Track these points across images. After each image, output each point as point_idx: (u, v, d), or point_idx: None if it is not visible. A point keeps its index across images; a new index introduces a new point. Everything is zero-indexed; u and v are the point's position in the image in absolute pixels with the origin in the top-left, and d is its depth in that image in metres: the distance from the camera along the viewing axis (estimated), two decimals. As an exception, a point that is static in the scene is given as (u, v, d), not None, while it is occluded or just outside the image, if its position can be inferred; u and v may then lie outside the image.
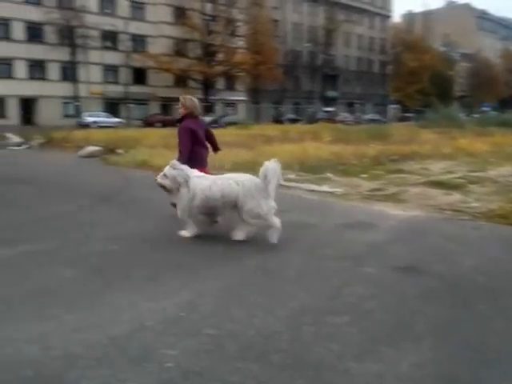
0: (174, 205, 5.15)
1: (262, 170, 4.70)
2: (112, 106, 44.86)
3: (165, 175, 4.95)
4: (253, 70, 49.57)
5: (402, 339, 2.93)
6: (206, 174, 5.10)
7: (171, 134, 19.99)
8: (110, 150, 13.93)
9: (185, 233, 5.04)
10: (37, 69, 42.08)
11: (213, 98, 50.58)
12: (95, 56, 44.05)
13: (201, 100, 43.33)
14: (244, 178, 4.89)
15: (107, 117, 40.13)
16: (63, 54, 41.35)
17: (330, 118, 45.25)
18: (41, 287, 3.67)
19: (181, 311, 3.25)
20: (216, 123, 38.66)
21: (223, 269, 4.15)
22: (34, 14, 40.02)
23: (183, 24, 47.21)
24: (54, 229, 5.53)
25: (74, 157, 13.99)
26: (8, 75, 40.27)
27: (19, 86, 40.07)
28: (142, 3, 47.68)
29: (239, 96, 54.14)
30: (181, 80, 48.53)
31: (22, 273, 3.98)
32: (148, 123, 40.04)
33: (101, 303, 3.37)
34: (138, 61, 45.44)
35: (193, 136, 5.53)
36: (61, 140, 17.32)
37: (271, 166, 4.67)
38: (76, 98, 42.64)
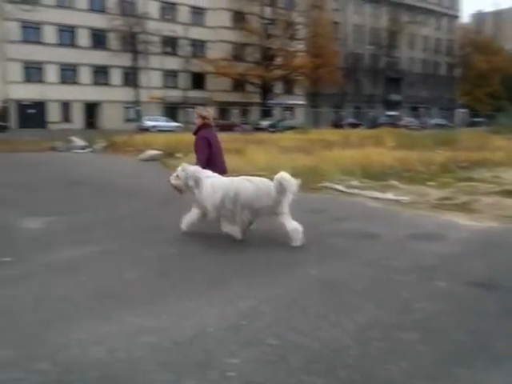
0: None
1: (277, 179, 4.87)
2: (171, 111, 46.18)
3: (177, 177, 5.23)
4: (312, 73, 49.37)
5: (479, 360, 2.76)
6: (218, 175, 5.29)
7: (229, 138, 20.27)
8: (169, 153, 14.30)
9: (235, 235, 5.14)
10: (100, 74, 44.13)
11: (271, 102, 50.85)
12: (155, 61, 45.57)
13: (259, 104, 43.78)
14: (257, 180, 5.11)
15: (166, 121, 41.32)
16: (125, 60, 43.12)
17: (393, 123, 44.13)
18: (106, 288, 3.79)
19: (242, 319, 3.24)
20: (274, 127, 38.82)
21: (285, 277, 4.11)
22: (99, 21, 42.05)
23: (242, 28, 47.90)
24: (118, 230, 5.73)
25: (135, 160, 14.48)
26: (73, 81, 42.53)
27: (83, 92, 42.22)
28: (202, 8, 48.86)
29: (297, 100, 54.06)
30: (239, 84, 49.20)
31: (88, 273, 4.14)
32: (205, 127, 40.69)
33: (164, 306, 3.43)
34: (196, 66, 46.55)
35: (209, 144, 5.88)
36: (122, 144, 18.02)
37: (290, 179, 4.85)
38: (137, 102, 44.30)
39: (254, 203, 4.95)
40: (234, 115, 49.03)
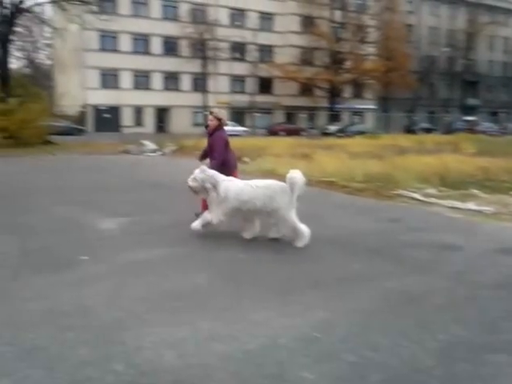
0: (197, 215, 5.81)
1: (288, 177, 5.15)
2: (238, 115, 46.81)
3: (195, 179, 5.40)
4: (383, 77, 48.15)
5: None
6: (235, 178, 5.58)
7: (297, 143, 20.22)
8: (236, 157, 14.39)
9: (245, 235, 5.45)
10: (171, 80, 45.65)
11: (339, 106, 50.16)
12: (224, 67, 46.46)
13: (326, 109, 43.27)
14: (271, 183, 5.34)
15: (233, 125, 41.88)
16: (195, 66, 44.31)
17: (470, 128, 41.91)
18: (176, 291, 3.82)
19: (315, 331, 3.13)
20: (342, 132, 38.22)
21: (360, 289, 3.94)
22: (171, 29, 43.58)
23: (311, 33, 47.68)
24: (188, 233, 5.79)
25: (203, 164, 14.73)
26: (146, 87, 44.32)
27: (155, 97, 43.88)
28: (270, 14, 49.23)
29: (367, 104, 52.92)
30: (306, 89, 48.98)
31: (160, 275, 4.20)
32: (272, 132, 40.98)
33: (234, 313, 3.39)
34: (264, 71, 46.92)
35: (226, 145, 6.20)
36: (191, 147, 18.40)
37: (298, 176, 5.12)
38: (205, 107, 45.34)
39: (267, 206, 5.17)
40: (301, 120, 48.84)
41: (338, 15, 49.51)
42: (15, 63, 39.83)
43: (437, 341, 3.03)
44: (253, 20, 47.99)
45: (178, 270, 4.34)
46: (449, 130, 41.28)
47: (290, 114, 49.00)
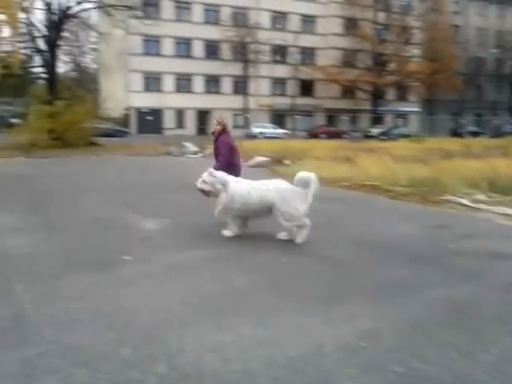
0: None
1: (300, 177, 5.35)
2: (278, 118, 46.85)
3: (204, 181, 5.61)
4: (428, 79, 47.00)
5: None
6: (240, 179, 5.76)
7: (338, 145, 19.98)
8: (277, 160, 14.38)
9: (227, 232, 5.63)
10: (212, 83, 46.19)
11: (382, 109, 49.34)
12: (265, 70, 46.57)
13: (369, 111, 42.67)
14: (279, 183, 5.52)
15: (273, 128, 41.98)
16: (236, 69, 44.65)
17: (520, 132, 40.33)
18: (219, 294, 3.79)
19: (361, 340, 3.02)
20: (385, 135, 37.54)
21: (407, 298, 3.79)
22: (212, 33, 44.11)
23: (354, 35, 47.19)
24: (226, 236, 5.79)
25: (244, 166, 14.73)
26: (188, 90, 45.04)
27: (196, 100, 44.49)
28: (312, 16, 49.01)
29: (411, 107, 51.79)
30: (348, 91, 48.47)
31: (201, 277, 4.19)
32: (313, 134, 40.74)
33: (277, 319, 3.33)
34: (305, 73, 46.73)
35: (231, 149, 6.57)
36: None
37: (312, 176, 5.30)
38: (245, 110, 45.59)
39: (281, 205, 5.32)
40: (343, 122, 48.35)
41: (381, 17, 48.77)
42: (62, 67, 41.35)
43: (489, 354, 2.87)
44: (294, 22, 47.93)
45: (218, 273, 4.32)
46: (497, 133, 39.78)
47: (332, 116, 48.61)
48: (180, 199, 8.51)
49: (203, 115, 45.26)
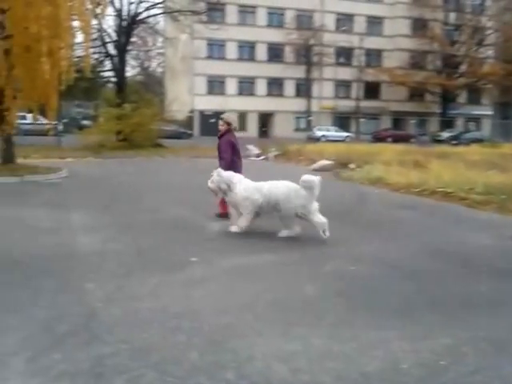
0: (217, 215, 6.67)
1: (305, 180, 5.53)
2: (342, 121, 46.26)
3: (212, 181, 5.93)
4: (502, 81, 44.58)
5: None
6: (248, 180, 5.97)
7: (406, 150, 19.32)
8: (341, 164, 14.11)
9: (234, 228, 5.89)
10: (275, 86, 46.40)
11: (452, 112, 47.38)
12: (328, 72, 46.14)
13: (438, 114, 40.98)
14: (285, 184, 5.77)
15: (336, 131, 41.47)
16: (299, 72, 44.53)
17: None
18: (286, 301, 3.70)
19: (440, 358, 2.83)
20: (456, 140, 36.02)
21: (489, 315, 3.53)
22: (276, 36, 44.27)
23: (422, 36, 45.69)
24: (292, 240, 5.69)
25: (307, 170, 14.59)
26: (250, 92, 45.51)
27: (259, 102, 44.85)
28: (379, 18, 48.02)
29: (484, 110, 49.39)
30: (416, 94, 47.03)
31: (266, 282, 4.12)
32: (378, 138, 39.82)
33: (347, 331, 3.19)
34: (371, 75, 45.81)
35: (233, 148, 6.75)
36: (295, 153, 18.40)
37: (316, 179, 5.52)
38: (308, 112, 45.35)
39: (285, 204, 5.60)
40: (410, 125, 46.90)
41: (452, 17, 46.95)
42: (130, 71, 42.94)
43: None
44: (360, 24, 47.15)
45: (285, 279, 4.23)
46: None
47: (398, 119, 47.35)
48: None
49: (265, 118, 45.58)
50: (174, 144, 23.98)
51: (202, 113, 43.50)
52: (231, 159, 6.64)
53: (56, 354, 2.77)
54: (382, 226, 6.77)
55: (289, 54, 45.35)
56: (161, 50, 48.31)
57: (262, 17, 45.52)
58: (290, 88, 46.51)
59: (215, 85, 44.62)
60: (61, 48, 12.11)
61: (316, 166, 14.40)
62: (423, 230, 6.56)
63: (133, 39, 28.93)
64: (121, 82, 26.41)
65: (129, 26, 26.04)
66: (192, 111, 43.46)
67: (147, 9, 27.02)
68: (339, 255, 5.06)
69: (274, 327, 3.21)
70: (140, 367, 2.65)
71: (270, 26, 45.49)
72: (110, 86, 35.36)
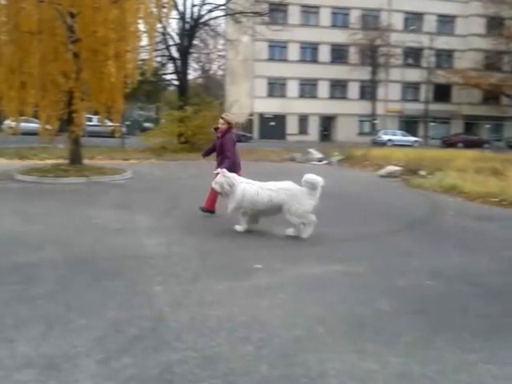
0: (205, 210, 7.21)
1: (308, 179, 5.88)
2: (409, 125, 45.03)
3: (216, 182, 6.25)
4: None
5: None
6: (251, 180, 6.30)
7: (480, 156, 18.47)
8: (410, 170, 13.65)
9: (238, 227, 6.22)
10: (338, 88, 45.93)
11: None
12: (395, 74, 45.04)
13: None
14: (289, 185, 6.05)
15: (403, 135, 40.39)
16: (364, 74, 43.74)
17: None
18: (359, 315, 3.58)
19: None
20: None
21: None
22: (340, 36, 43.75)
23: (498, 35, 43.58)
24: (361, 249, 5.54)
25: (373, 175, 14.29)
26: (312, 95, 45.29)
27: (321, 105, 44.52)
28: (451, 16, 46.40)
29: None
30: (491, 97, 44.96)
31: (337, 294, 4.01)
32: (448, 143, 38.42)
33: (427, 352, 3.02)
34: (441, 77, 44.28)
35: (234, 146, 7.21)
36: (359, 158, 18.04)
37: (319, 179, 5.87)
38: (373, 115, 44.48)
39: (289, 204, 5.88)
40: (484, 130, 44.91)
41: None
42: (191, 74, 43.98)
43: None
44: (430, 23, 45.77)
45: (356, 292, 4.10)
46: None
47: (470, 124, 45.55)
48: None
49: (327, 121, 45.18)
50: (234, 147, 24.17)
51: (261, 116, 43.79)
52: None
53: (126, 358, 2.81)
54: (457, 237, 6.45)
55: (353, 55, 44.73)
56: (221, 53, 49.23)
57: (325, 17, 45.24)
58: (354, 90, 45.85)
59: (276, 87, 44.79)
60: (127, 51, 12.57)
61: (383, 171, 14.04)
62: (504, 243, 6.19)
63: (195, 42, 29.57)
64: (183, 84, 27.04)
65: (191, 28, 26.65)
66: (252, 114, 43.82)
67: (210, 11, 27.58)
68: (412, 268, 4.85)
69: (348, 343, 3.11)
70: (209, 377, 2.64)
71: (333, 26, 45.14)
72: (171, 88, 36.36)
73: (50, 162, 14.61)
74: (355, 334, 3.24)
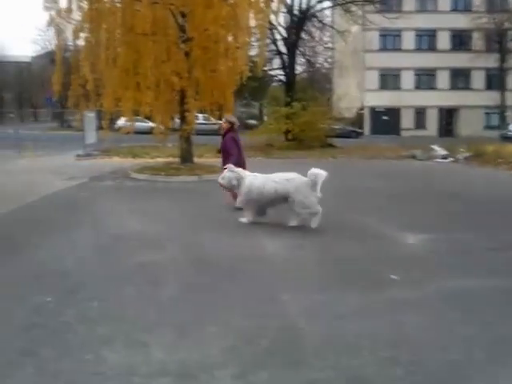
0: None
1: (312, 172, 6.21)
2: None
3: (223, 177, 6.74)
4: None
5: None
6: (257, 173, 6.76)
7: None
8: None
9: (244, 219, 6.64)
10: (460, 78, 43.18)
11: None
12: (529, 60, 41.38)
13: None
14: (293, 176, 6.43)
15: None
16: (490, 61, 40.60)
17: None
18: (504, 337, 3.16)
19: None
20: None
21: None
22: (461, 21, 40.95)
23: None
24: (502, 262, 5.02)
25: (507, 175, 13.15)
26: (429, 86, 43.03)
27: (440, 97, 42.05)
28: None
29: None
30: None
31: (489, 313, 3.60)
32: None
33: None
34: None
35: (237, 144, 7.74)
36: (490, 154, 16.63)
37: (321, 172, 6.16)
38: (502, 107, 41.21)
39: (295, 195, 6.24)
40: None
41: None
42: (298, 68, 44.01)
43: None
44: None
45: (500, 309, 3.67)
46: None
47: None
48: (440, 210, 7.90)
49: (448, 114, 42.76)
50: (343, 143, 23.73)
51: (373, 109, 42.56)
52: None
53: (263, 373, 2.71)
54: None
55: (477, 41, 41.72)
56: (328, 45, 48.72)
57: (445, 1, 42.81)
58: (478, 79, 42.83)
59: (389, 79, 43.22)
60: (237, 47, 12.74)
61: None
62: None
63: (302, 35, 29.41)
64: (290, 79, 27.08)
65: (299, 20, 26.59)
66: (362, 108, 42.77)
67: (319, 1, 27.33)
68: None
69: (516, 373, 2.74)
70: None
71: (454, 10, 42.55)
72: (275, 84, 36.60)
73: (160, 160, 15.32)
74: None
